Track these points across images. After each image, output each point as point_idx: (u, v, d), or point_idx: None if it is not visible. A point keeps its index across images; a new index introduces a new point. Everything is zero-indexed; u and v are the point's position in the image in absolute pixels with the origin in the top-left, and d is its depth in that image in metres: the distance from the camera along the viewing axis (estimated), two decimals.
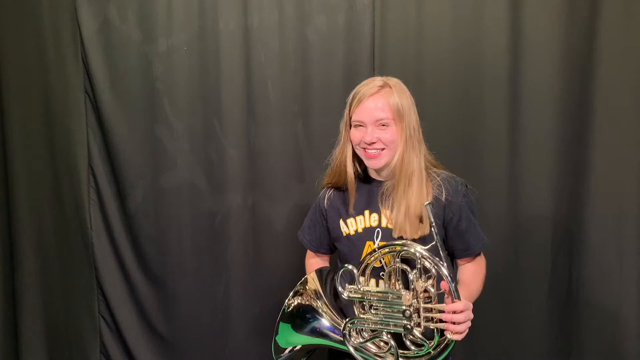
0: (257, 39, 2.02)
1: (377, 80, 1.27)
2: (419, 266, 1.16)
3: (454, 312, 1.09)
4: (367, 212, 1.32)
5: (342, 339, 1.23)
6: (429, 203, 1.16)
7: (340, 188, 1.38)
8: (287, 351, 1.31)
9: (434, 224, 1.14)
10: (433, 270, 1.15)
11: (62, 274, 2.23)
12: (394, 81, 1.28)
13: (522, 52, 1.91)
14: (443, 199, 1.25)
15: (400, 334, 1.17)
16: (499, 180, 1.97)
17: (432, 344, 1.14)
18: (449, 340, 1.13)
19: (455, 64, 1.94)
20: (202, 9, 2.03)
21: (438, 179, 1.28)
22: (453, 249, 1.33)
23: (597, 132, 1.89)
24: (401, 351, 1.18)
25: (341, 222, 1.36)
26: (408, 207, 1.22)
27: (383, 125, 1.24)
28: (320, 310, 1.30)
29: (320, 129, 2.01)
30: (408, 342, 1.18)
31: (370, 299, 1.20)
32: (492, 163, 1.97)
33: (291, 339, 1.30)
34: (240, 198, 2.10)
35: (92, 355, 2.23)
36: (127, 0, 2.04)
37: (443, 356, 1.15)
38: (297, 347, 1.31)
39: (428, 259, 1.15)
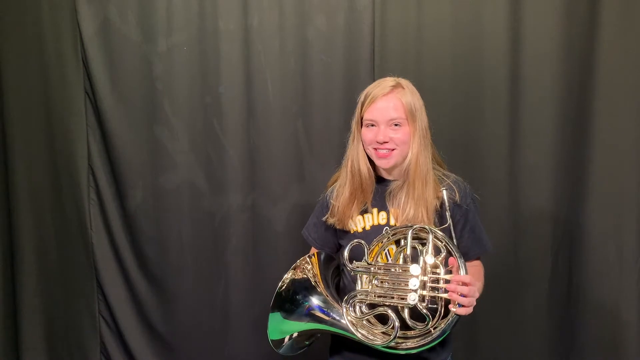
0: (257, 39, 2.02)
1: (389, 80, 1.28)
2: (429, 243, 1.16)
3: (461, 284, 1.09)
4: (375, 210, 1.32)
5: (333, 320, 1.21)
6: (445, 189, 1.22)
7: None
8: (286, 339, 1.28)
9: (448, 208, 1.18)
10: (442, 249, 1.16)
11: (62, 274, 2.23)
12: (405, 82, 1.29)
13: (522, 53, 1.91)
14: (454, 200, 1.26)
15: (399, 310, 1.14)
16: (499, 180, 1.97)
17: (435, 321, 1.12)
18: (451, 316, 1.10)
19: (455, 64, 1.94)
20: (202, 9, 2.03)
21: (448, 180, 1.28)
22: None
23: (597, 132, 1.89)
24: (401, 332, 1.14)
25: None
26: (427, 205, 1.23)
27: (396, 125, 1.25)
28: (314, 289, 1.27)
29: (320, 129, 2.01)
30: (408, 319, 1.14)
31: (376, 272, 1.19)
32: (492, 163, 1.97)
33: (284, 328, 1.28)
34: (240, 198, 2.10)
35: (92, 355, 2.23)
36: (127, 0, 2.04)
37: (443, 337, 1.11)
38: (295, 335, 1.28)
39: (439, 237, 1.17)
